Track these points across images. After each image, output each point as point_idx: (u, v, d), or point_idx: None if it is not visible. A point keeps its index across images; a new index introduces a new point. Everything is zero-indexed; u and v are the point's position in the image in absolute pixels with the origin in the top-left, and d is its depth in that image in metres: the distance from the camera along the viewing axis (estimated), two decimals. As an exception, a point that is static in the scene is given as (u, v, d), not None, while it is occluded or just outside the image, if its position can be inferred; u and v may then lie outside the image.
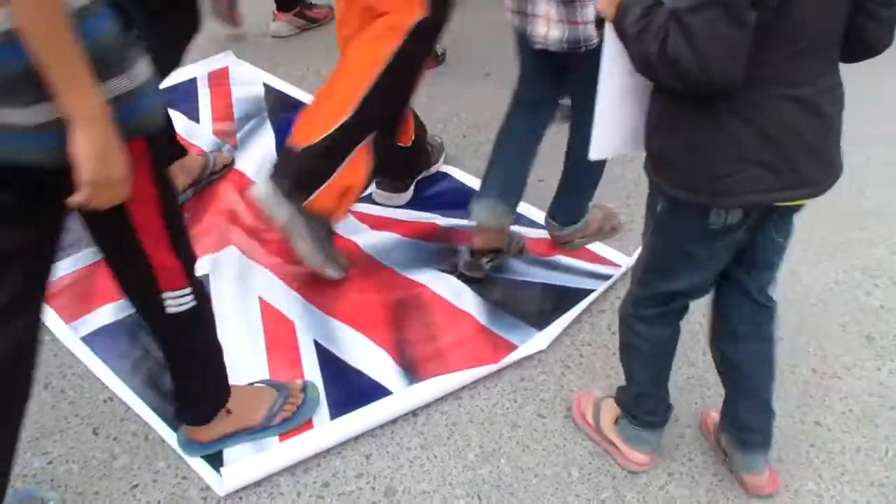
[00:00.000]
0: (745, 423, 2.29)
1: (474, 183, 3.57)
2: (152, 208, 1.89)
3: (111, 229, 1.91)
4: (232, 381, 2.46)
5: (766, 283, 2.21)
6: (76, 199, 1.64)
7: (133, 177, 1.72)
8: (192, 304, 2.09)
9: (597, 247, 3.22)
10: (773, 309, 2.25)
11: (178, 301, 2.06)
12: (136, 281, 2.04)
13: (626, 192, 3.55)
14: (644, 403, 2.36)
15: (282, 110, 4.11)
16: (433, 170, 3.63)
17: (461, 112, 4.01)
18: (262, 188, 2.82)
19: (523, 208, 3.40)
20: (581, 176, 3.10)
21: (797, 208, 2.02)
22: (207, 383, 2.39)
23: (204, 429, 2.42)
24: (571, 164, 3.08)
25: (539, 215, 3.37)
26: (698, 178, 1.86)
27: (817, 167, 1.90)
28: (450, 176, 3.65)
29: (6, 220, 1.75)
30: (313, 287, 3.02)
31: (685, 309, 2.26)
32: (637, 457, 2.38)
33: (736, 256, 2.08)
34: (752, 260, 2.13)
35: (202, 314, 2.19)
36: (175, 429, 2.50)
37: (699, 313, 2.87)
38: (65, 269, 3.06)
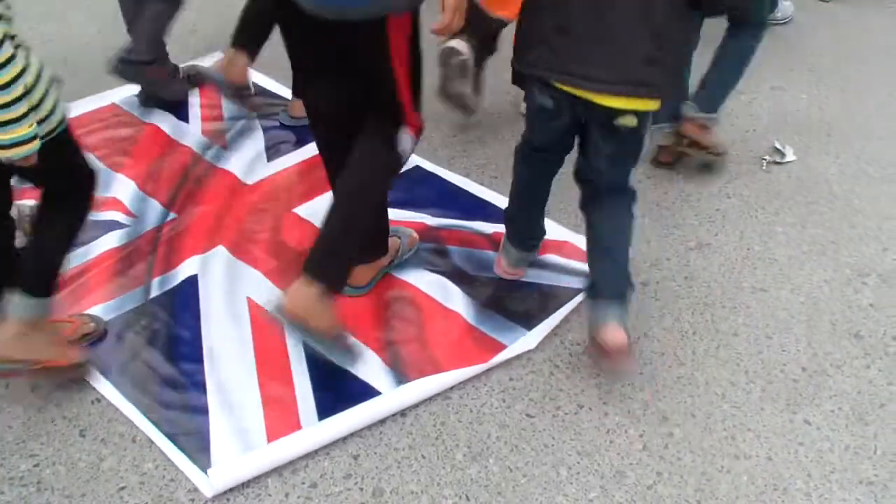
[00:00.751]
0: (598, 274, 2.67)
1: (463, 183, 3.58)
2: (404, 62, 2.38)
3: (377, 70, 2.37)
4: (222, 382, 2.46)
5: (602, 176, 2.64)
6: (437, 25, 2.24)
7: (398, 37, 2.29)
8: (412, 150, 2.59)
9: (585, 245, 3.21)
10: (620, 194, 2.68)
11: (405, 141, 2.52)
12: (385, 113, 2.47)
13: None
14: (512, 224, 3.00)
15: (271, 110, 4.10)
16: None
17: (451, 115, 4.01)
18: None
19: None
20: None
21: (613, 115, 2.33)
22: (382, 224, 2.92)
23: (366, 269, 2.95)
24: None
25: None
26: (517, 54, 2.45)
27: (604, 68, 2.25)
28: (439, 176, 3.65)
29: None
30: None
31: (550, 161, 2.84)
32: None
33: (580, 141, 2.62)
34: (585, 151, 2.62)
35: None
36: (168, 434, 2.50)
37: (690, 312, 2.88)
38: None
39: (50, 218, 2.52)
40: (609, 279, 2.63)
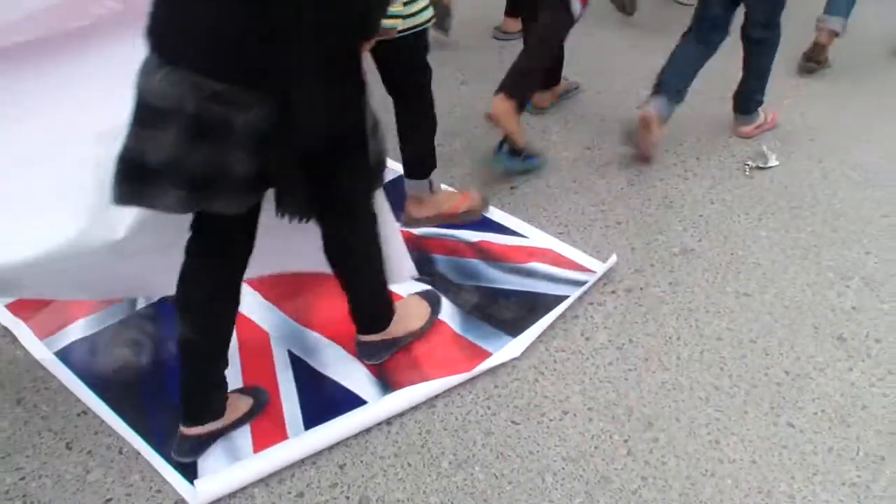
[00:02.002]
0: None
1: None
2: None
3: None
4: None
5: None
6: None
7: None
8: (580, 14, 3.56)
9: (571, 252, 3.23)
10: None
11: (576, 6, 3.50)
12: None
13: (599, 199, 3.57)
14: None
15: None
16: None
17: (439, 121, 4.03)
18: None
19: (498, 216, 3.43)
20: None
21: None
22: (555, 63, 4.19)
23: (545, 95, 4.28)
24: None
25: (514, 222, 3.39)
26: None
27: None
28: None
29: None
30: (288, 297, 3.03)
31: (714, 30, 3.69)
32: None
33: None
34: None
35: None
36: (154, 446, 2.50)
37: (674, 317, 2.90)
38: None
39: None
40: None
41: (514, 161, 3.71)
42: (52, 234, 2.42)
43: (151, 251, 2.54)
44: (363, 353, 2.80)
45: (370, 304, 2.74)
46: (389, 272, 2.72)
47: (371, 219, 2.52)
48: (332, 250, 2.53)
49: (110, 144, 1.97)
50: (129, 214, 2.38)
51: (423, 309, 2.96)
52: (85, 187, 2.32)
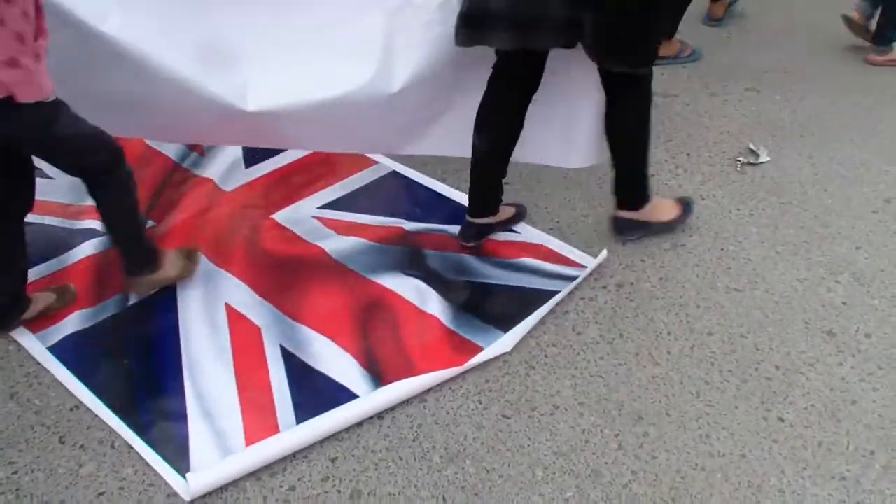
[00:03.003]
0: None
1: (439, 188, 3.60)
2: None
3: None
4: (200, 387, 2.49)
5: None
6: None
7: None
8: None
9: (562, 248, 3.24)
10: None
11: None
12: None
13: (591, 194, 3.58)
14: None
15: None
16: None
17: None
18: None
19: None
20: None
21: None
22: None
23: None
24: None
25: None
26: None
27: None
28: (415, 181, 3.68)
29: None
30: (279, 293, 3.03)
31: None
32: None
33: None
34: None
35: None
36: (147, 440, 2.51)
37: (664, 312, 2.91)
38: (30, 279, 3.05)
39: None
40: None
41: None
42: (335, 82, 2.97)
43: (418, 109, 3.18)
44: (616, 227, 3.31)
45: (631, 181, 3.23)
46: (574, 152, 3.31)
47: (649, 99, 3.05)
48: (612, 119, 3.07)
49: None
50: (407, 72, 2.98)
51: (677, 208, 3.36)
52: (374, 45, 2.96)
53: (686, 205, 3.39)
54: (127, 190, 2.83)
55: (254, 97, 2.94)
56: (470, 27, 2.74)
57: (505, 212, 3.33)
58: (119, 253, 2.96)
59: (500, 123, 3.07)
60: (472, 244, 3.27)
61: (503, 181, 3.23)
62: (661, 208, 3.33)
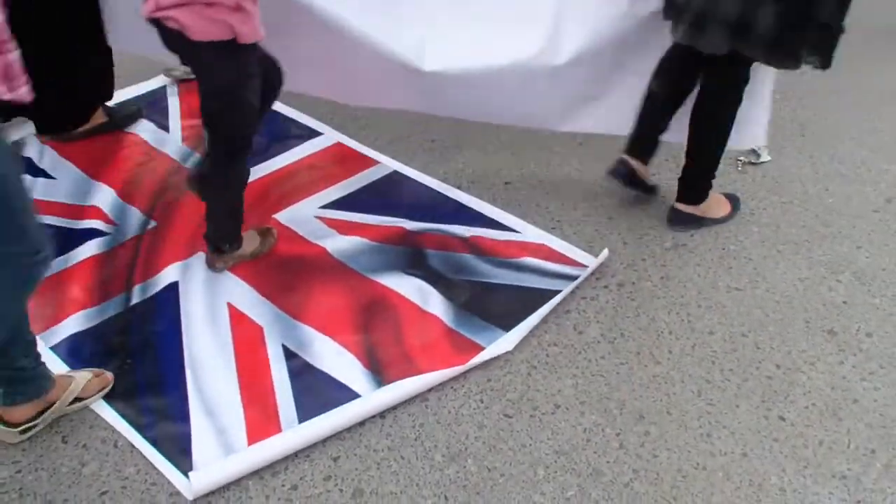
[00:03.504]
0: None
1: (440, 187, 3.60)
2: None
3: None
4: (202, 386, 2.49)
5: None
6: None
7: None
8: None
9: (564, 247, 3.24)
10: None
11: None
12: None
13: (592, 194, 3.58)
14: None
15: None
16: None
17: (430, 119, 4.04)
18: None
19: (491, 211, 3.44)
20: None
21: None
22: None
23: None
24: None
25: (507, 217, 3.40)
26: None
27: None
28: (416, 181, 3.68)
29: None
30: (282, 292, 3.03)
31: None
32: None
33: None
34: None
35: None
36: (149, 439, 2.51)
37: (666, 311, 2.92)
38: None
39: None
40: None
41: None
42: (505, 50, 3.14)
43: (581, 84, 3.31)
44: (674, 219, 3.41)
45: (699, 173, 3.35)
46: (744, 131, 3.31)
47: (741, 86, 3.13)
48: (699, 104, 3.20)
49: None
50: (574, 45, 3.13)
51: (727, 205, 3.46)
52: (545, 16, 3.13)
53: (735, 201, 3.51)
54: (246, 168, 3.01)
55: (430, 57, 3.14)
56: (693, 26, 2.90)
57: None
58: (212, 228, 3.08)
59: (673, 78, 3.26)
60: (619, 180, 3.45)
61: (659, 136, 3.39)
62: (715, 204, 3.44)
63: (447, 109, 3.49)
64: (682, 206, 3.38)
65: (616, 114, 3.37)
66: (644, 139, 3.38)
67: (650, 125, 3.34)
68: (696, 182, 3.35)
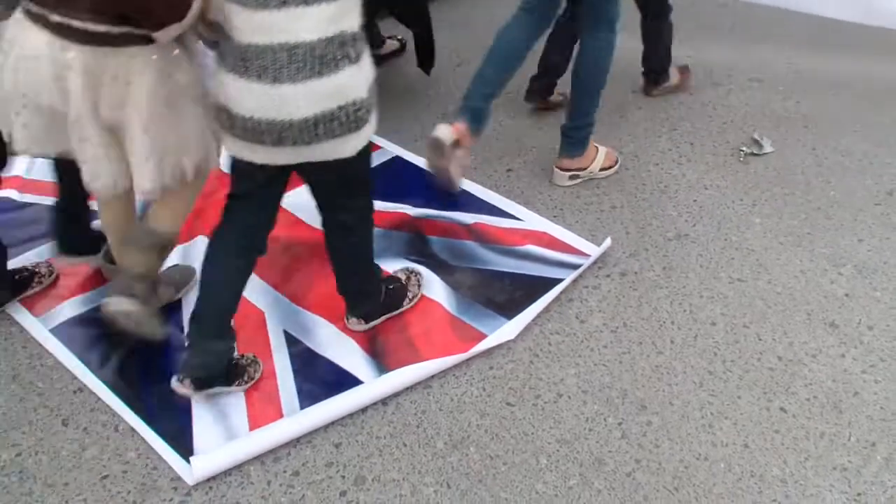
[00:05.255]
0: None
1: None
2: None
3: None
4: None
5: None
6: None
7: None
8: None
9: (566, 236, 3.24)
10: None
11: None
12: None
13: (594, 182, 3.58)
14: None
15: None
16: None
17: (431, 104, 4.03)
18: None
19: (493, 198, 3.43)
20: None
21: None
22: None
23: None
24: None
25: (509, 205, 3.40)
26: None
27: None
28: (419, 167, 3.66)
29: None
30: (283, 277, 3.03)
31: None
32: None
33: None
34: None
35: None
36: (150, 423, 2.51)
37: (668, 301, 2.92)
38: (31, 261, 3.06)
39: None
40: None
41: None
42: None
43: None
44: None
45: None
46: None
47: None
48: None
49: None
50: None
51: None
52: None
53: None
54: None
55: None
56: None
57: None
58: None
59: None
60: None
61: None
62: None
63: None
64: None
65: None
66: None
67: None
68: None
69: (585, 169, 3.56)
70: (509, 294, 2.97)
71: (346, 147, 2.19)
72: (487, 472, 2.40)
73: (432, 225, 3.29)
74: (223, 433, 2.48)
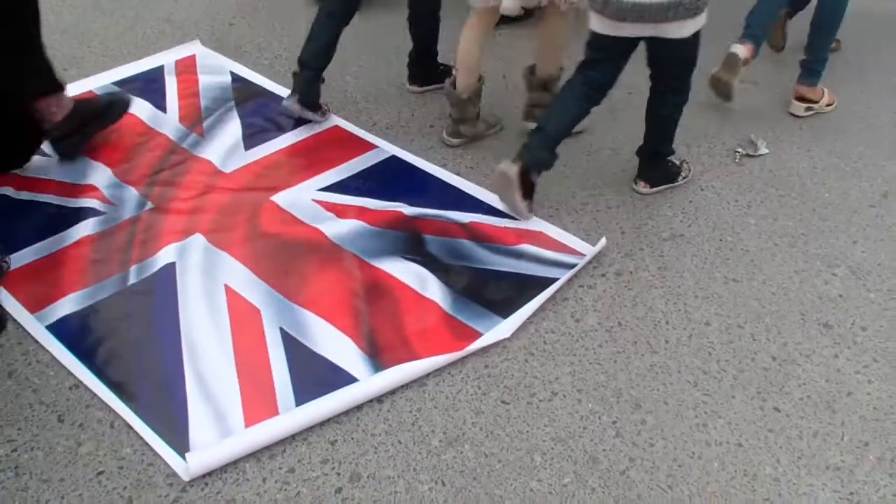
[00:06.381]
0: None
1: (439, 172, 3.61)
2: None
3: None
4: (199, 368, 2.48)
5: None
6: None
7: None
8: None
9: (561, 235, 3.25)
10: None
11: None
12: None
13: (590, 182, 3.58)
14: None
15: (248, 99, 4.11)
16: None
17: (429, 103, 4.04)
18: None
19: (489, 198, 3.44)
20: None
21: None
22: None
23: None
24: None
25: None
26: None
27: None
28: (415, 166, 3.67)
29: None
30: (280, 275, 3.03)
31: None
32: None
33: None
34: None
35: None
36: (146, 420, 2.51)
37: (663, 301, 2.92)
38: (27, 258, 3.06)
39: None
40: None
41: None
42: None
43: None
44: None
45: None
46: None
47: None
48: None
49: None
50: None
51: None
52: None
53: None
54: None
55: None
56: None
57: None
58: None
59: None
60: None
61: None
62: None
63: None
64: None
65: None
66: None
67: None
68: None
69: (817, 103, 4.13)
70: (505, 293, 2.98)
71: (685, 28, 2.99)
72: (482, 469, 2.40)
73: (428, 224, 3.29)
74: (219, 429, 2.48)
